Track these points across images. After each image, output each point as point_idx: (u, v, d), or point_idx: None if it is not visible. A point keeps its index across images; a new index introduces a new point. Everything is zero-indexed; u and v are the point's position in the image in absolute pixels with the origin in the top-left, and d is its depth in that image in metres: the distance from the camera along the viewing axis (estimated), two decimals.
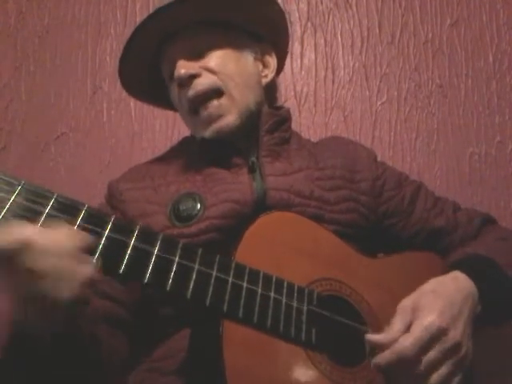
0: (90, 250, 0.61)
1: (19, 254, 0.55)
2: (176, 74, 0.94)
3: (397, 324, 0.75)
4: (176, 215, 0.88)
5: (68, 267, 0.57)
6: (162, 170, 1.00)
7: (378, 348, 0.74)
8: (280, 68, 1.12)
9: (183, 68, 0.94)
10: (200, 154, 1.00)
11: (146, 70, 1.05)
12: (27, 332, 0.63)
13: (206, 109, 0.95)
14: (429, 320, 0.73)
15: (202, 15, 0.97)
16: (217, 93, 0.95)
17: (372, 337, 0.75)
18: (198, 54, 0.98)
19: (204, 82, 0.95)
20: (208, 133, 0.96)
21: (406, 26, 1.62)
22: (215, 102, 0.95)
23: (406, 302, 0.78)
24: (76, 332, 0.69)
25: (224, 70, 0.96)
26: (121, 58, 1.01)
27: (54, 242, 0.57)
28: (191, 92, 0.95)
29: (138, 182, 0.97)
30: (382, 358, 0.72)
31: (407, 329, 0.74)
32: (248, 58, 1.02)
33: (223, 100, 0.95)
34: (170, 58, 0.99)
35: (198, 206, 0.88)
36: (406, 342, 0.71)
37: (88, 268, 0.59)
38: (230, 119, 0.95)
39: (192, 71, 0.95)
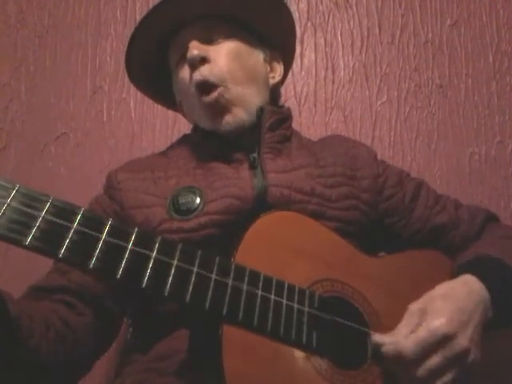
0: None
1: None
2: (189, 53, 0.94)
3: (403, 327, 0.74)
4: (175, 208, 0.87)
5: None
6: (163, 163, 0.99)
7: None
8: (283, 79, 1.13)
9: (196, 49, 0.95)
10: (201, 147, 1.00)
11: (153, 59, 1.04)
12: None
13: (212, 95, 0.95)
14: (436, 324, 0.72)
15: (215, 9, 0.98)
16: (223, 83, 0.95)
17: (378, 336, 0.75)
18: (211, 41, 0.98)
19: (212, 70, 0.95)
20: (220, 126, 0.96)
21: (406, 26, 1.61)
22: (221, 90, 0.94)
23: (415, 306, 0.77)
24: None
25: (235, 61, 0.97)
26: (129, 43, 1.01)
27: None
28: (199, 77, 0.95)
29: (138, 173, 0.96)
30: (384, 348, 0.73)
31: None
32: (259, 57, 1.04)
33: (229, 92, 0.95)
34: (182, 43, 0.99)
35: (198, 200, 0.87)
36: (408, 341, 0.71)
37: None
38: (241, 115, 0.96)
39: (204, 54, 0.95)
